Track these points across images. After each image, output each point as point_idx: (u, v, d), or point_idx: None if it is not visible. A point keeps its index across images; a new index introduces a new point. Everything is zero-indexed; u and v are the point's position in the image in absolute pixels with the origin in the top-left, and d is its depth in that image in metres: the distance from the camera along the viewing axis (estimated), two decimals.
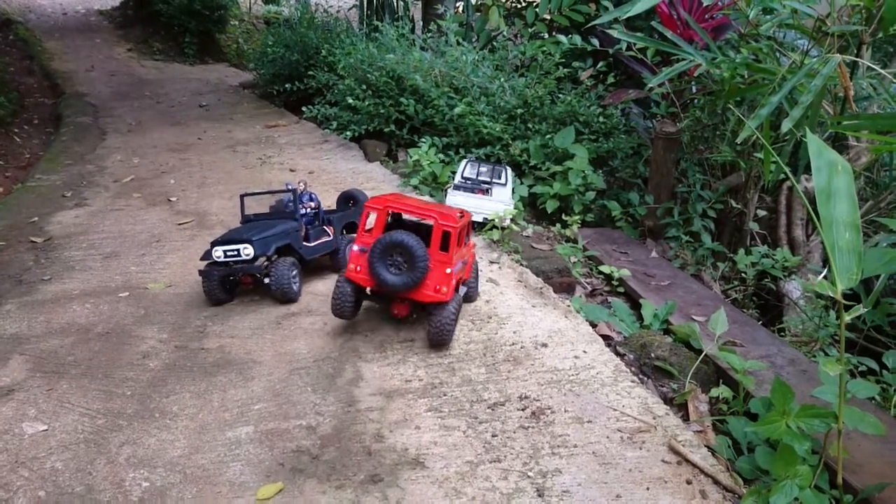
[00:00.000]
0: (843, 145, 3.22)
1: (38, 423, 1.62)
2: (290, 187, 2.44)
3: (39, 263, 2.60)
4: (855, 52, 2.79)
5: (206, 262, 2.25)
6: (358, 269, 1.90)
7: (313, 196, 2.49)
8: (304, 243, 2.36)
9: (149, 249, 2.77)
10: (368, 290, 1.95)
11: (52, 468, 1.47)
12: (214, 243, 2.22)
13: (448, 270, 1.85)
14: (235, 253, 2.17)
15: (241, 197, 2.46)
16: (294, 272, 2.25)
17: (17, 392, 1.75)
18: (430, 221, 1.87)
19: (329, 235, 2.47)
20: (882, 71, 2.59)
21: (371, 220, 1.91)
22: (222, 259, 2.19)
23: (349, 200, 2.73)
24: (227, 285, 2.27)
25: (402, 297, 1.91)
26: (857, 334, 2.53)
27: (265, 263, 2.21)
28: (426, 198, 3.37)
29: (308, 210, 2.45)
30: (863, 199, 3.20)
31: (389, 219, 1.94)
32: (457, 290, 2.00)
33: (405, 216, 2.03)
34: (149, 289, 2.40)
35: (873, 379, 2.20)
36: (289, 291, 2.20)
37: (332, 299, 1.97)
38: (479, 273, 2.34)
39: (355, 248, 1.90)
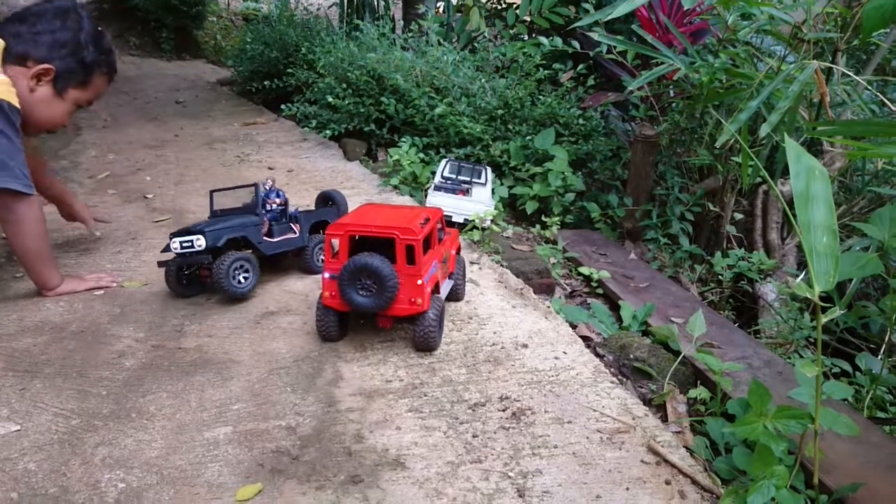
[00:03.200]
0: (818, 150, 3.28)
1: (11, 424, 1.59)
2: (265, 182, 2.43)
3: (11, 260, 2.55)
4: (830, 58, 2.84)
5: (166, 254, 2.25)
6: (331, 294, 1.89)
7: (280, 193, 2.47)
8: (266, 239, 2.34)
9: (124, 247, 2.73)
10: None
11: (24, 469, 1.44)
12: (172, 235, 2.22)
13: (419, 282, 1.84)
14: (189, 244, 2.17)
15: (211, 192, 2.45)
16: (240, 266, 2.21)
17: None
18: (391, 237, 1.85)
19: (295, 233, 2.44)
20: (856, 77, 2.64)
21: (335, 244, 1.90)
22: (179, 250, 2.19)
23: (328, 201, 2.71)
24: (184, 278, 2.27)
25: (380, 313, 1.90)
26: (830, 336, 2.58)
27: (210, 257, 2.19)
28: (406, 199, 3.37)
29: (274, 206, 2.43)
30: (836, 204, 3.25)
31: (356, 237, 1.92)
32: (437, 291, 2.00)
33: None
34: (124, 287, 2.37)
35: (846, 380, 2.24)
36: (225, 286, 2.16)
37: (316, 325, 1.98)
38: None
39: (326, 275, 1.90)
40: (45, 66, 2.17)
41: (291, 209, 2.49)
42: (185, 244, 2.18)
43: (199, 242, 2.16)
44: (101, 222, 2.77)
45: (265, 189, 2.42)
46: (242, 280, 2.22)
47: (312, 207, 2.75)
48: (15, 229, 2.14)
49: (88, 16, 2.31)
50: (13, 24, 2.18)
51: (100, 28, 2.33)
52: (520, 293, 2.41)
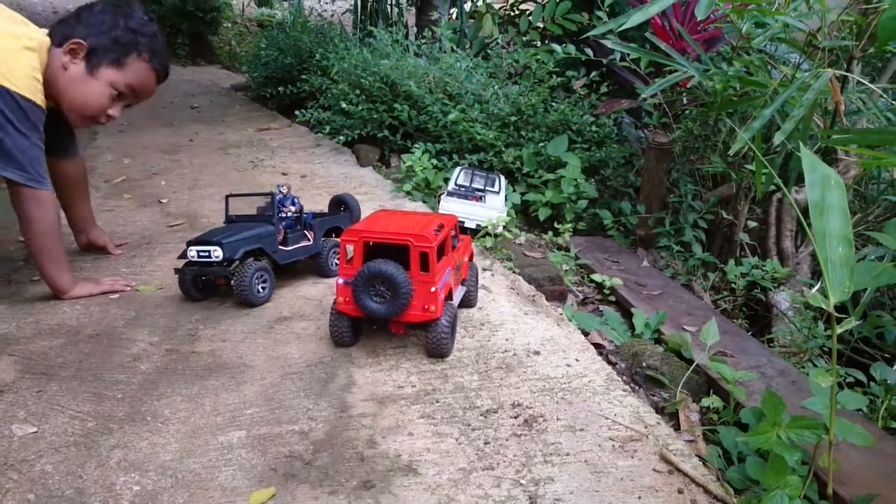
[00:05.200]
0: (833, 159, 3.26)
1: (28, 426, 1.61)
2: (280, 188, 2.46)
3: (29, 263, 2.58)
4: (845, 66, 2.83)
5: (182, 261, 2.29)
6: (345, 300, 1.91)
7: (295, 200, 2.49)
8: (281, 247, 2.37)
9: (139, 251, 2.76)
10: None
11: (41, 471, 1.46)
12: (189, 243, 2.26)
13: (433, 289, 1.85)
14: (207, 254, 2.21)
15: (226, 197, 2.47)
16: (260, 276, 2.27)
17: (6, 394, 1.74)
18: (405, 244, 1.85)
19: (309, 240, 2.46)
20: (871, 85, 2.63)
21: (350, 250, 1.91)
22: (196, 259, 2.23)
23: (340, 205, 2.74)
24: (200, 284, 2.32)
25: (393, 319, 1.91)
26: (844, 345, 2.56)
27: (231, 268, 2.23)
28: (418, 205, 3.38)
29: (289, 214, 2.45)
30: (851, 213, 3.23)
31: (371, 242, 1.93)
32: (449, 298, 2.00)
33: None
34: (139, 291, 2.39)
35: (860, 390, 2.22)
36: (248, 296, 2.22)
37: (329, 330, 1.99)
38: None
39: (340, 280, 1.91)
40: (77, 40, 2.16)
41: (305, 213, 2.50)
42: (202, 253, 2.21)
43: (217, 254, 2.19)
44: (120, 245, 2.79)
45: (281, 194, 2.44)
46: (262, 289, 2.27)
47: (326, 211, 2.76)
48: (24, 228, 2.18)
49: (143, 9, 2.29)
50: (69, 15, 2.24)
51: (147, 18, 2.27)
52: (532, 300, 2.42)
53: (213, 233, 2.31)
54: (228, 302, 2.31)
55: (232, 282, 2.22)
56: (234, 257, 2.21)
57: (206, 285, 2.33)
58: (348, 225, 2.65)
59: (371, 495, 1.41)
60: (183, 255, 2.27)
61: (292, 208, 2.47)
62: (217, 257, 2.19)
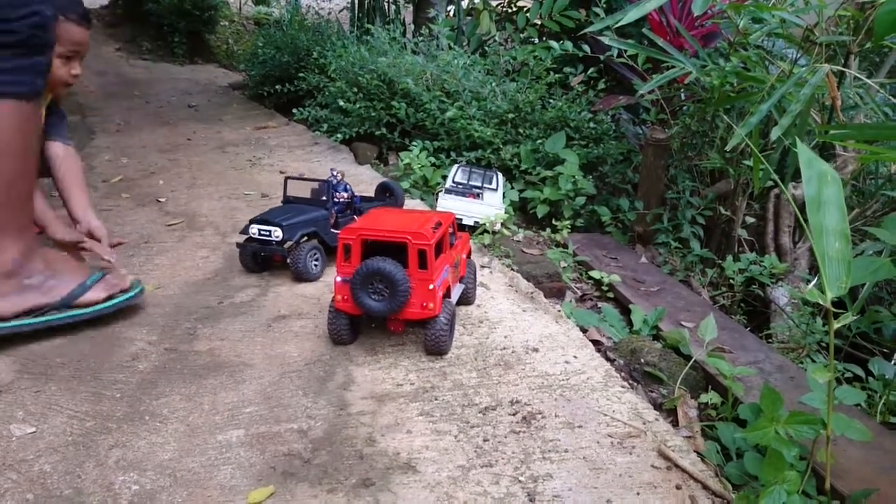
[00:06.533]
0: (830, 154, 3.26)
1: (26, 425, 1.61)
2: (333, 172, 2.63)
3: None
4: (842, 61, 2.83)
5: (244, 236, 2.51)
6: (343, 298, 1.91)
7: (348, 187, 2.67)
8: (332, 230, 2.58)
9: (137, 251, 2.75)
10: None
11: (40, 471, 1.46)
12: (252, 220, 2.47)
13: (431, 286, 1.85)
14: (267, 234, 2.42)
15: (286, 179, 2.69)
16: (313, 255, 2.48)
17: (5, 394, 1.73)
18: (403, 242, 1.85)
19: None
20: (868, 80, 2.63)
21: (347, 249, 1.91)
22: (257, 236, 2.44)
23: (386, 191, 2.91)
24: (258, 259, 2.53)
25: (391, 317, 1.91)
26: (842, 341, 2.57)
27: (288, 246, 2.46)
28: (416, 202, 3.38)
29: (341, 200, 2.65)
30: (849, 208, 3.24)
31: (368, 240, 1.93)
32: (448, 295, 2.00)
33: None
34: None
35: (859, 385, 2.22)
36: (304, 272, 2.44)
37: (328, 328, 1.99)
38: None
39: (338, 278, 1.91)
40: None
41: (355, 196, 2.67)
42: (262, 231, 2.43)
43: (277, 234, 2.40)
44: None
45: (335, 180, 2.61)
46: (314, 266, 2.47)
47: (372, 196, 2.92)
48: (56, 164, 2.39)
49: None
50: None
51: None
52: (530, 297, 2.42)
53: (274, 213, 2.50)
54: (227, 301, 2.31)
55: (288, 259, 2.43)
56: (293, 239, 2.41)
57: (263, 260, 2.53)
58: None
59: (370, 493, 1.41)
60: (244, 231, 2.47)
61: (345, 194, 2.65)
62: (277, 237, 2.40)
